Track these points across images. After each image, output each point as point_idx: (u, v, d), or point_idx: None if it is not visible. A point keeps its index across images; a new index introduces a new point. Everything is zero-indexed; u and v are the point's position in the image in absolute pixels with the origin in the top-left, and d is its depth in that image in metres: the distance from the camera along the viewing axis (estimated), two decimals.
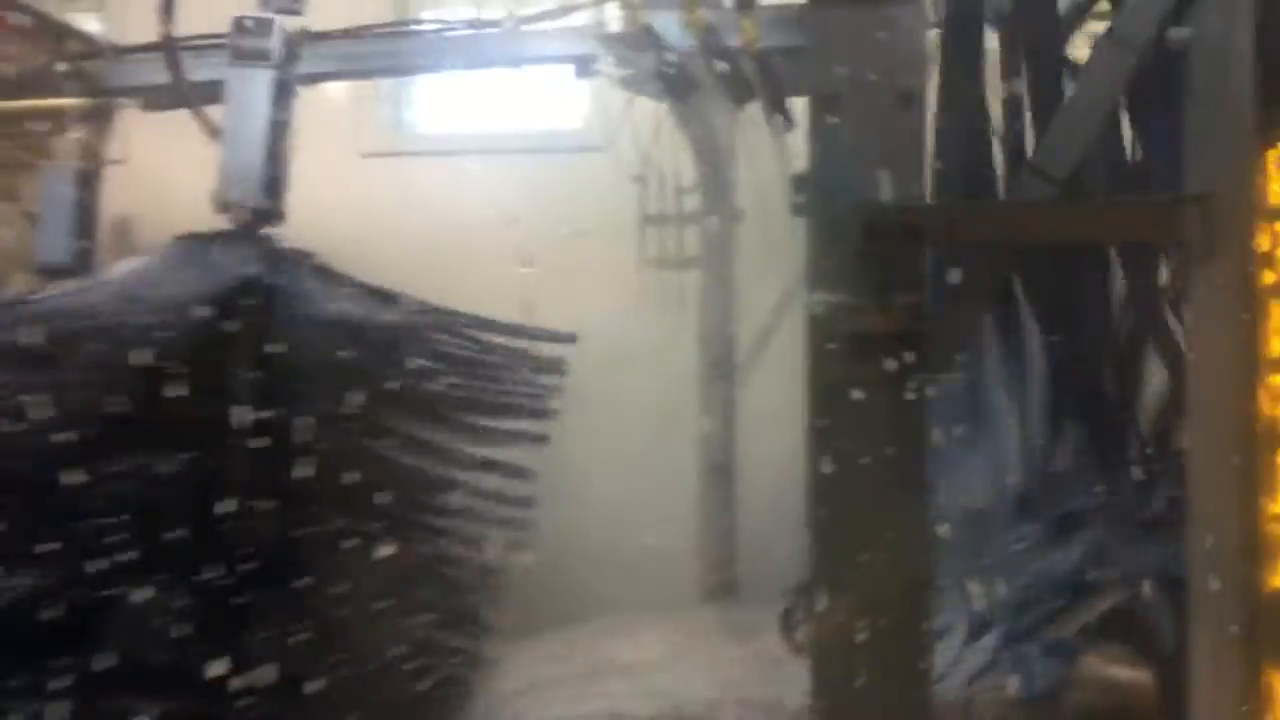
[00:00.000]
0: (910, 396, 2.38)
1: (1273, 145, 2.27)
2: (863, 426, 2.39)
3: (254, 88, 4.06)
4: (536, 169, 6.42)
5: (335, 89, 5.58)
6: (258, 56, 4.07)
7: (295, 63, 4.09)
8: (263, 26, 4.03)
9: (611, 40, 3.24)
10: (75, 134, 4.97)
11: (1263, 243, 2.27)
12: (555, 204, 6.16)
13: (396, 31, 5.06)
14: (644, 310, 6.18)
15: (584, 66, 3.97)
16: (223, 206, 3.98)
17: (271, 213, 4.05)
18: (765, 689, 3.54)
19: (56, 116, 4.80)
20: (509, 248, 6.00)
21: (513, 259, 5.91)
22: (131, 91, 4.86)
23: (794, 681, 2.65)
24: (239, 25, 3.99)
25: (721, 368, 5.94)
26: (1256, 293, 2.26)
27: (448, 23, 4.98)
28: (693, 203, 6.15)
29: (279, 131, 4.10)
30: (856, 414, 2.39)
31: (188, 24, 4.44)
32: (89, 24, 6.96)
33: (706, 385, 5.92)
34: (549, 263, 6.02)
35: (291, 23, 4.16)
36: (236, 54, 4.03)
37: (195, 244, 3.84)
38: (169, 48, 4.28)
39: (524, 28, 4.58)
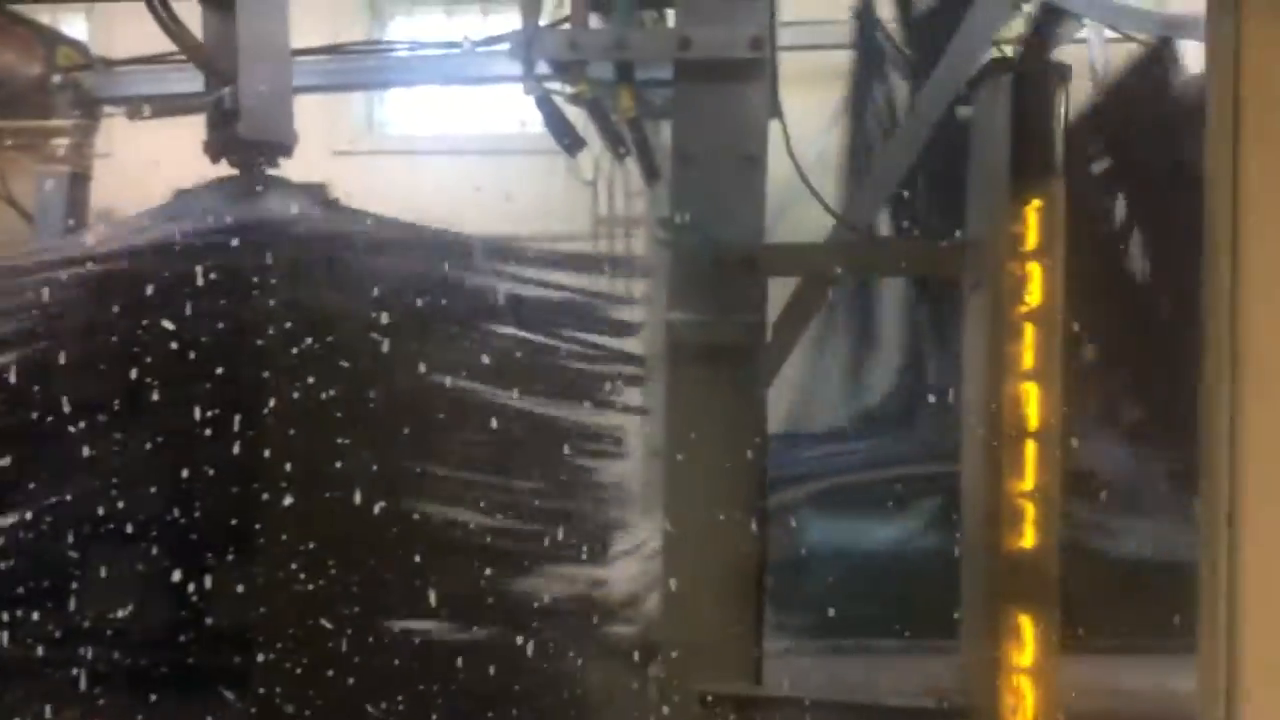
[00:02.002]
0: (748, 392, 3.18)
1: (1026, 202, 3.06)
2: (710, 416, 3.18)
3: (264, 6, 3.98)
4: (498, 169, 7.20)
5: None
6: None
7: None
8: None
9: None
10: (66, 140, 5.66)
11: (1017, 278, 3.05)
12: (514, 204, 6.93)
13: (366, 50, 5.80)
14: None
15: (531, 85, 4.51)
16: (223, 147, 4.00)
17: (289, 146, 4.19)
18: None
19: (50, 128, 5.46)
20: None
21: None
22: (119, 101, 5.57)
23: None
24: None
25: None
26: (1011, 317, 3.05)
27: (413, 42, 5.74)
28: (641, 206, 6.95)
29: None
30: (705, 406, 3.18)
31: None
32: (77, 24, 7.72)
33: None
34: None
35: None
36: None
37: (206, 192, 4.01)
38: None
39: (480, 49, 5.36)
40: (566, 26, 3.44)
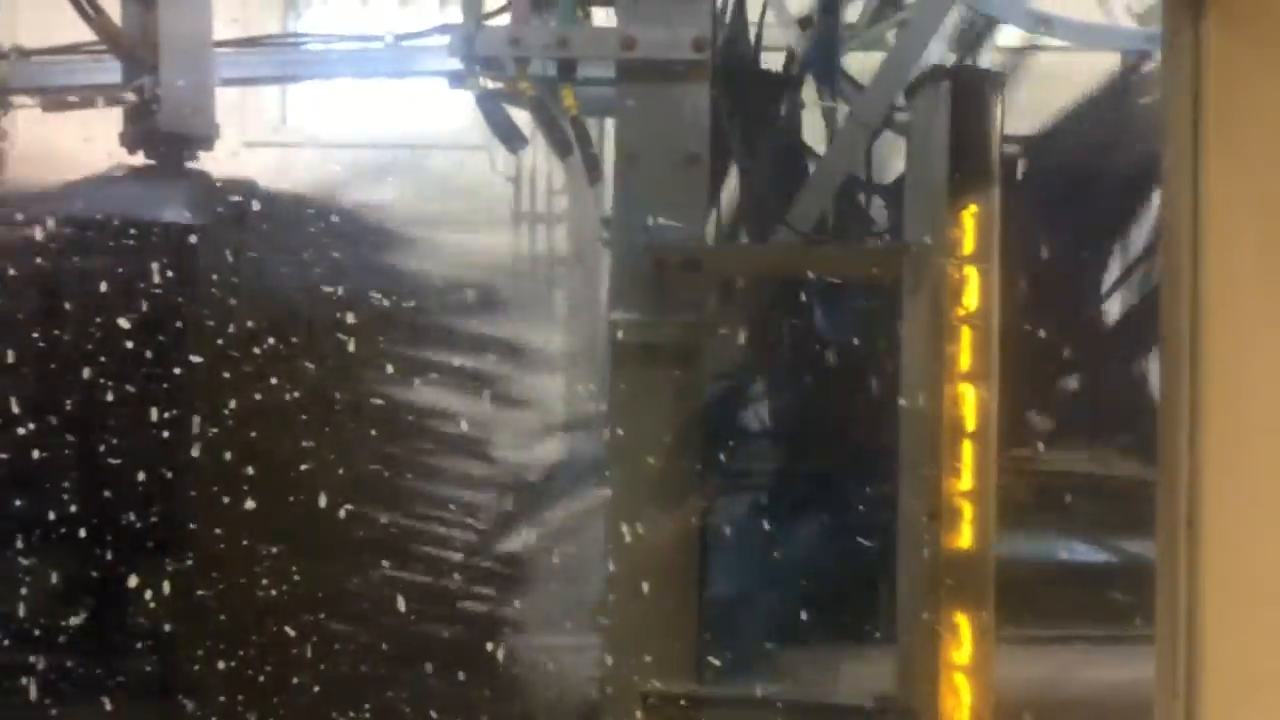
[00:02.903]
0: (687, 391, 3.17)
1: (963, 207, 3.09)
2: (649, 413, 3.17)
3: None
4: (416, 163, 7.10)
5: None
6: None
7: None
8: None
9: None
10: None
11: (954, 281, 3.09)
12: (433, 198, 6.83)
13: (286, 43, 5.66)
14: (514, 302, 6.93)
15: (458, 80, 4.04)
16: (140, 138, 3.90)
17: (210, 139, 4.10)
18: None
19: None
20: None
21: None
22: (34, 92, 5.35)
23: None
24: None
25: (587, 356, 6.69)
26: (948, 320, 3.09)
27: (333, 36, 5.62)
28: (563, 203, 6.92)
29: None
30: (645, 404, 3.17)
31: None
32: None
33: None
34: (424, 252, 6.68)
35: None
36: None
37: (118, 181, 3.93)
38: None
39: (404, 43, 5.27)
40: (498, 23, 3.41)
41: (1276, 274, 1.75)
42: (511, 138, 3.47)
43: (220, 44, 5.18)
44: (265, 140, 7.73)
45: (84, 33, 4.70)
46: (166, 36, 4.00)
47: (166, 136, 4.03)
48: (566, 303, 6.87)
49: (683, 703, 3.12)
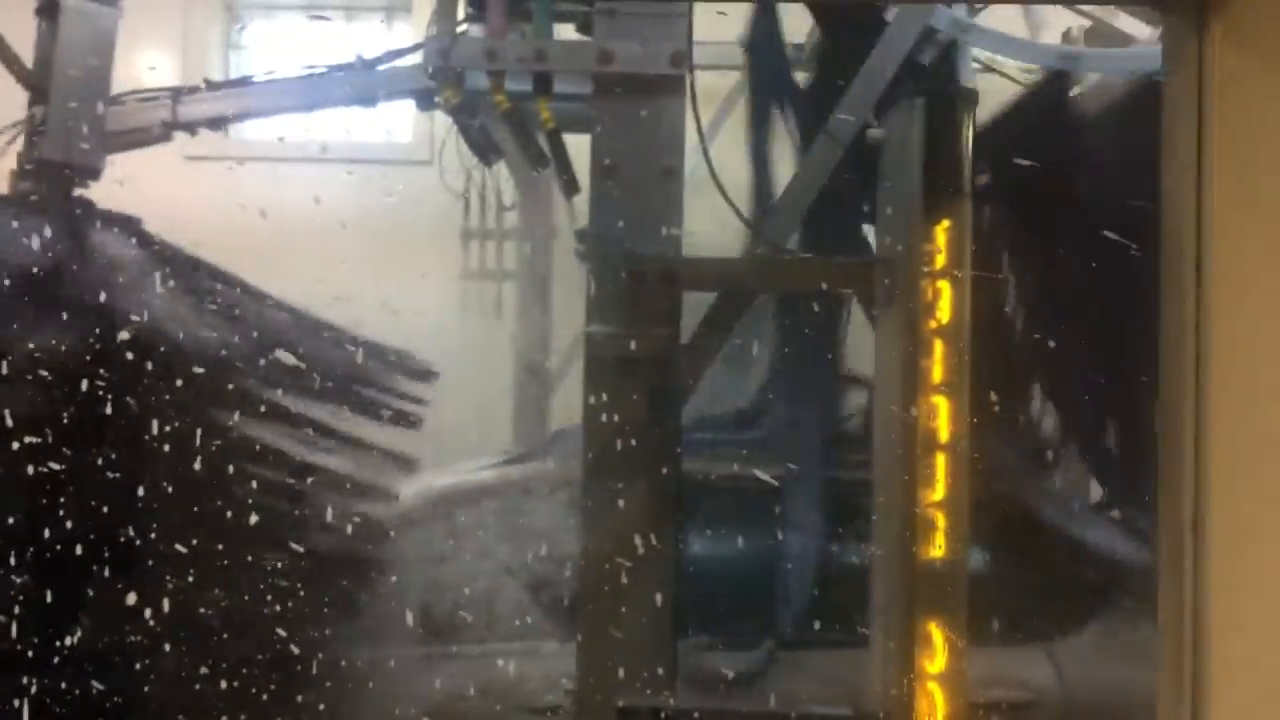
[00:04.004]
0: (663, 404, 3.15)
1: (936, 222, 3.12)
2: (626, 428, 3.13)
3: (91, 22, 3.80)
4: (364, 179, 7.00)
5: None
6: None
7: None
8: None
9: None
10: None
11: (927, 295, 3.12)
12: (381, 213, 6.74)
13: (248, 82, 5.44)
14: (463, 318, 6.87)
15: (425, 100, 4.04)
16: (29, 164, 3.81)
17: (96, 170, 3.98)
18: None
19: None
20: (332, 253, 6.53)
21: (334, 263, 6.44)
22: None
23: None
24: None
25: (534, 373, 6.65)
26: (921, 333, 3.11)
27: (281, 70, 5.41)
28: (512, 220, 6.86)
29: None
30: (622, 418, 3.13)
31: None
32: None
33: (519, 389, 6.62)
34: (373, 269, 6.59)
35: None
36: None
37: None
38: None
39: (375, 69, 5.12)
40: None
41: None
42: (487, 152, 3.42)
43: (160, 91, 4.98)
44: (208, 155, 7.58)
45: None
46: (60, 67, 3.91)
47: (47, 165, 3.89)
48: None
49: (662, 716, 3.08)
